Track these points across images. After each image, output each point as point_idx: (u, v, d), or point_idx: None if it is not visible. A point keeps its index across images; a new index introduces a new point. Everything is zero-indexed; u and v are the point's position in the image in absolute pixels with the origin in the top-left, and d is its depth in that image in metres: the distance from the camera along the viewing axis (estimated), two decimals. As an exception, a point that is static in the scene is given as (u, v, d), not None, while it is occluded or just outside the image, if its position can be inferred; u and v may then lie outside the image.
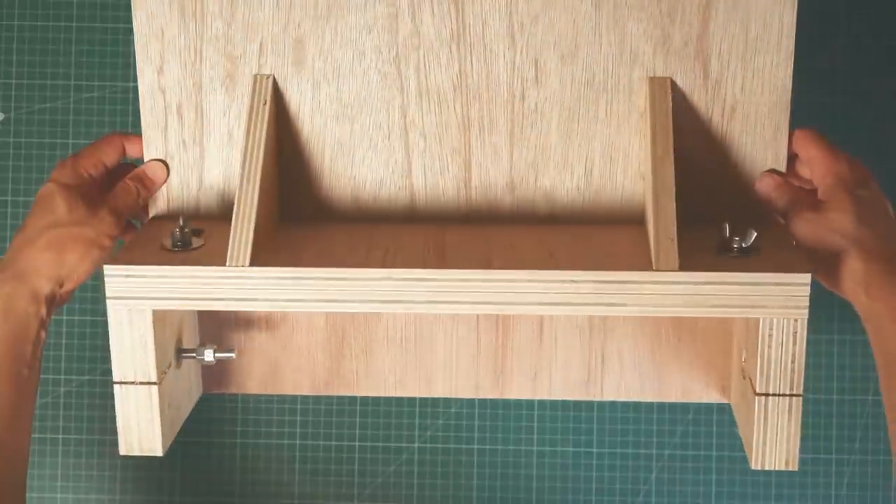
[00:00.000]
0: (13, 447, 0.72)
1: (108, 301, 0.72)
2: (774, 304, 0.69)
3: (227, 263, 0.71)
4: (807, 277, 0.69)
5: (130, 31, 0.96)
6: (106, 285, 0.72)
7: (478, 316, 0.82)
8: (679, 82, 0.75)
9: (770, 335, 0.71)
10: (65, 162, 0.77)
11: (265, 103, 0.76)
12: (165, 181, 0.80)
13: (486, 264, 0.70)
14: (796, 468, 0.73)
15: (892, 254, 0.70)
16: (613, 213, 0.79)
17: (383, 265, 0.71)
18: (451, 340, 0.85)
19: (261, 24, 0.76)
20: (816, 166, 0.74)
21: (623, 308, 0.70)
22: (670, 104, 0.74)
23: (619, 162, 0.78)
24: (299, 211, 0.81)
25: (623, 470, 0.94)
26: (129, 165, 0.80)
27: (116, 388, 0.76)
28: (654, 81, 0.75)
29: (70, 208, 0.74)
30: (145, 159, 0.79)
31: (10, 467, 0.71)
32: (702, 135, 0.77)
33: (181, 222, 0.74)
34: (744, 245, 0.71)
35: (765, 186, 0.77)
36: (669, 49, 0.74)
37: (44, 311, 0.74)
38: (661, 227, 0.70)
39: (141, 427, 0.76)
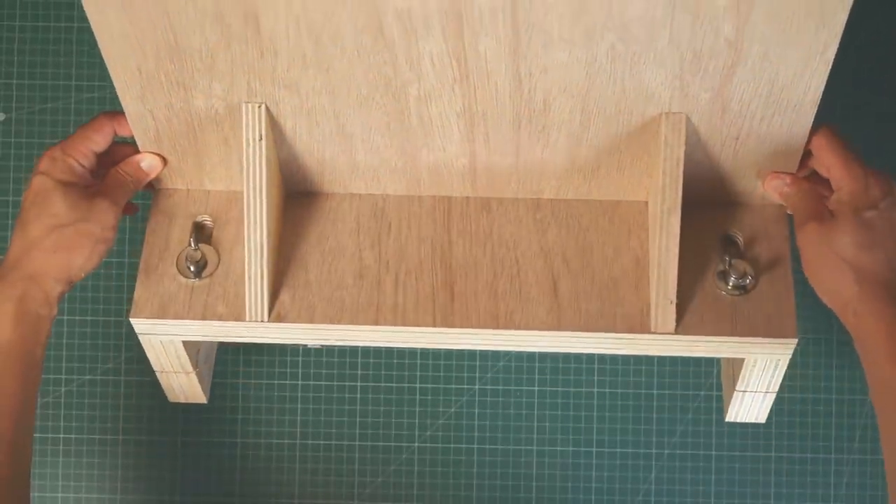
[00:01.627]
0: (20, 444, 0.72)
1: (138, 335, 0.79)
2: (761, 352, 0.77)
3: (247, 318, 0.76)
4: (793, 342, 0.76)
5: (131, 31, 0.96)
6: (133, 325, 0.78)
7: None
8: (694, 119, 0.72)
9: (754, 364, 0.79)
10: (54, 153, 0.74)
11: (261, 139, 0.73)
12: (160, 171, 0.79)
13: (494, 316, 0.76)
14: (763, 421, 0.85)
15: (890, 279, 0.69)
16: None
17: (394, 305, 0.77)
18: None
19: (247, 70, 0.70)
20: (831, 174, 0.72)
21: (620, 351, 0.77)
22: (682, 150, 0.72)
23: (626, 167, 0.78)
24: (301, 214, 0.81)
25: (623, 469, 0.94)
26: (120, 145, 0.78)
27: (157, 374, 0.84)
28: (668, 119, 0.71)
29: (70, 206, 0.73)
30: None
31: (17, 463, 0.72)
32: (711, 156, 0.76)
33: (192, 245, 0.77)
34: (741, 283, 0.76)
35: (773, 189, 0.77)
36: (688, 94, 0.70)
37: (55, 311, 0.74)
38: (662, 290, 0.74)
39: (184, 390, 0.87)
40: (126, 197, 0.77)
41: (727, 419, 0.85)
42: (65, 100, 0.96)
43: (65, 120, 0.96)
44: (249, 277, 0.76)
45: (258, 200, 0.74)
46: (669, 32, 0.65)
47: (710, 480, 0.94)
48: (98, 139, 0.76)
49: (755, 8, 0.63)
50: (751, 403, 0.83)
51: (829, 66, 0.67)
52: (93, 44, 0.95)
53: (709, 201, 0.79)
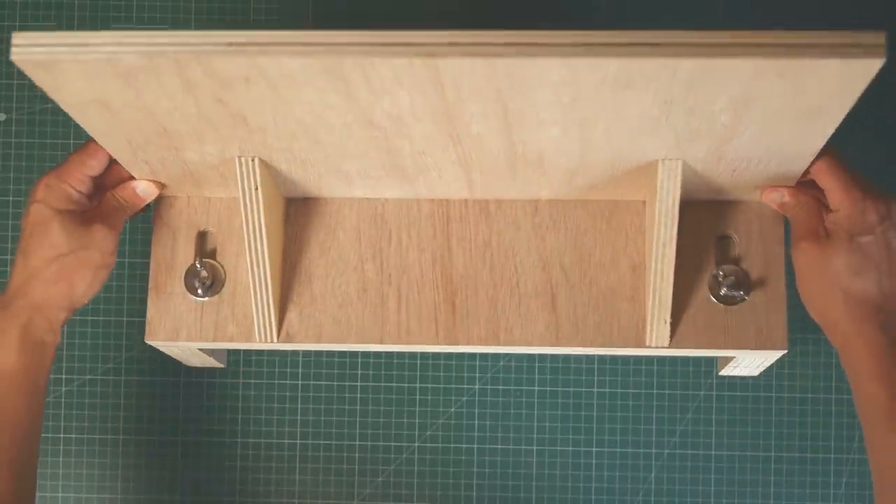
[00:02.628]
0: (25, 470, 0.73)
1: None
2: (750, 356, 0.81)
3: (257, 340, 0.79)
4: (781, 353, 0.78)
5: (131, 31, 0.96)
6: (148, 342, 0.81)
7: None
8: (690, 163, 0.72)
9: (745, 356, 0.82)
10: (49, 180, 0.73)
11: (257, 188, 0.74)
12: (157, 195, 0.79)
13: (495, 333, 0.78)
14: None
15: (878, 303, 0.70)
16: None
17: (398, 323, 0.79)
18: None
19: (237, 140, 0.70)
20: (830, 197, 0.72)
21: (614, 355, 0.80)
22: (679, 192, 0.72)
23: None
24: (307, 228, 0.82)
25: (623, 469, 0.94)
26: (116, 166, 0.77)
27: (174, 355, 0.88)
28: (664, 165, 0.71)
29: (69, 235, 0.73)
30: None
31: (22, 489, 0.72)
32: (709, 182, 0.76)
33: (198, 265, 0.79)
34: (734, 295, 0.78)
35: (771, 200, 0.77)
36: (685, 151, 0.70)
37: (59, 338, 0.75)
38: (657, 312, 0.76)
39: (202, 362, 0.91)
40: (123, 220, 0.77)
41: (721, 373, 0.91)
42: (65, 100, 0.96)
43: (65, 120, 0.96)
44: (256, 305, 0.77)
45: (258, 240, 0.75)
46: (666, 122, 0.65)
47: (710, 480, 0.94)
48: (93, 164, 0.74)
49: (752, 107, 0.62)
50: (744, 368, 0.88)
51: (830, 134, 0.67)
52: (93, 44, 0.96)
53: (705, 200, 0.79)
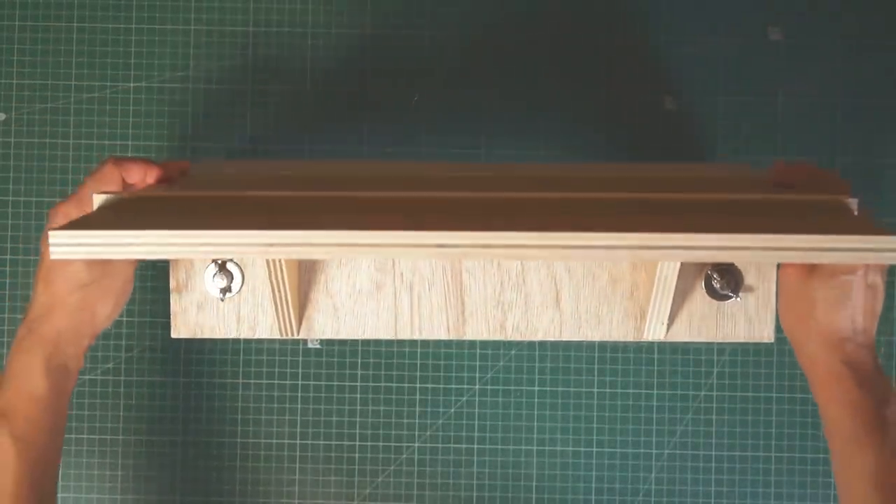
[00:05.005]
0: (49, 490, 0.73)
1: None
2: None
3: (279, 335, 0.80)
4: (770, 341, 0.81)
5: (131, 31, 0.96)
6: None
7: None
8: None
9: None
10: (68, 209, 0.73)
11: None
12: None
13: (502, 327, 0.80)
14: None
15: (848, 337, 0.71)
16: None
17: (410, 318, 0.81)
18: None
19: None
20: None
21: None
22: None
23: None
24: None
25: (623, 469, 0.94)
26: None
27: None
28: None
29: (90, 265, 0.73)
30: None
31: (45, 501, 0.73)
32: None
33: (217, 269, 0.80)
34: (726, 293, 0.80)
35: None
36: None
37: (82, 363, 0.75)
38: (657, 315, 0.78)
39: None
40: None
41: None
42: (65, 100, 0.96)
43: (65, 120, 0.96)
44: (276, 304, 0.78)
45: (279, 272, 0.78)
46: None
47: (710, 480, 0.94)
48: (110, 189, 0.74)
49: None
50: None
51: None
52: (93, 44, 0.96)
53: None
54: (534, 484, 0.94)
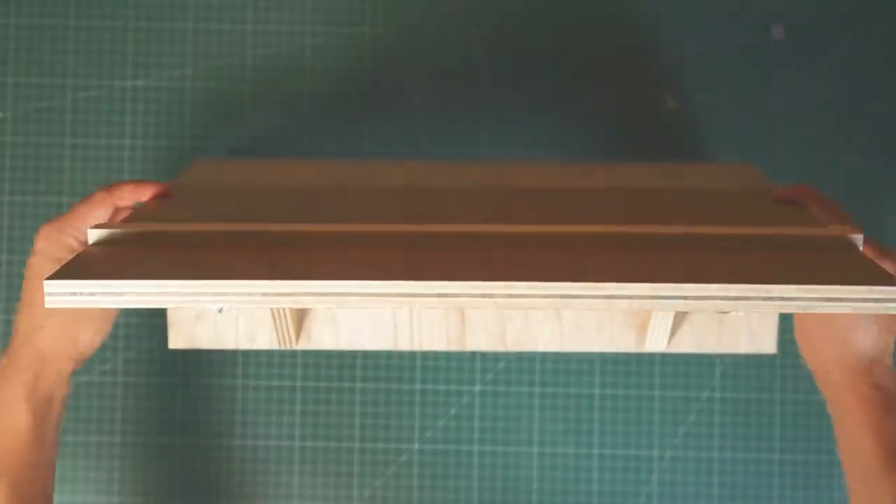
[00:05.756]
0: None
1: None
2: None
3: (278, 346, 0.81)
4: (772, 353, 0.82)
5: (130, 29, 0.96)
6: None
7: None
8: None
9: None
10: (49, 232, 0.72)
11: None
12: None
13: (502, 340, 0.81)
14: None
15: (872, 356, 0.70)
16: None
17: (409, 331, 0.81)
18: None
19: None
20: None
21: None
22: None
23: None
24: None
25: (625, 471, 0.94)
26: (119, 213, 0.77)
27: None
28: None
29: (50, 254, 0.72)
30: None
31: None
32: None
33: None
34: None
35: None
36: None
37: (66, 390, 0.74)
38: (657, 335, 0.79)
39: None
40: None
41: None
42: (61, 99, 0.95)
43: (61, 119, 0.95)
44: (274, 319, 0.79)
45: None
46: None
47: (712, 482, 0.94)
48: (97, 214, 0.73)
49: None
50: None
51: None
52: (90, 42, 0.96)
53: None
54: (534, 486, 0.94)
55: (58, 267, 0.70)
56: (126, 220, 0.68)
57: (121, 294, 0.57)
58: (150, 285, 0.57)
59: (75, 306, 0.57)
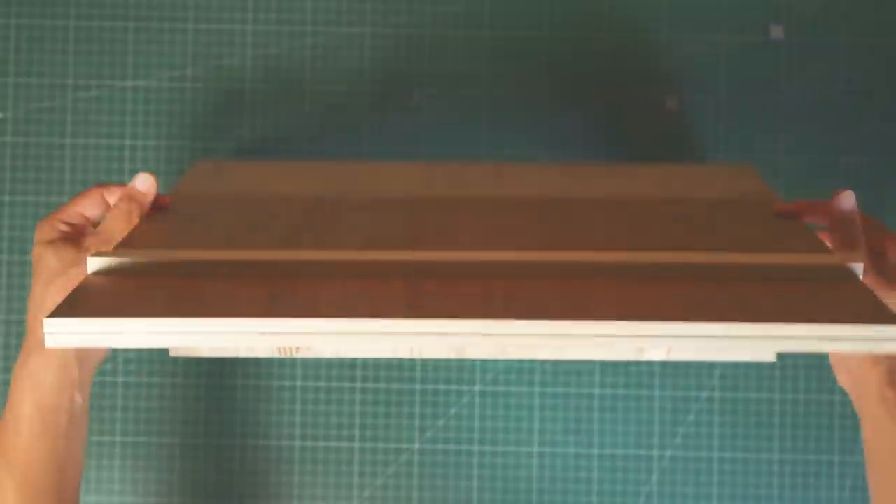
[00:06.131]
0: None
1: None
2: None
3: (278, 355, 0.82)
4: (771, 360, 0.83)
5: (130, 30, 0.96)
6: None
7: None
8: None
9: None
10: (42, 221, 0.74)
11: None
12: (156, 191, 0.78)
13: (502, 351, 0.80)
14: None
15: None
16: None
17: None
18: None
19: None
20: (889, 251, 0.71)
21: None
22: None
23: None
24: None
25: (624, 471, 0.94)
26: None
27: None
28: None
29: (58, 258, 0.72)
30: None
31: None
32: None
33: None
34: None
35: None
36: None
37: (75, 373, 0.73)
38: (656, 352, 0.79)
39: None
40: (122, 229, 0.74)
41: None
42: (61, 99, 0.95)
43: (62, 119, 0.95)
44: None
45: None
46: None
47: (712, 482, 0.93)
48: (87, 203, 0.75)
49: None
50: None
51: None
52: (90, 42, 0.96)
53: None
54: (534, 486, 0.94)
55: (48, 247, 0.72)
56: (127, 244, 0.68)
57: (119, 333, 0.58)
58: (149, 324, 0.58)
59: (75, 345, 0.58)
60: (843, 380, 0.72)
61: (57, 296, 0.72)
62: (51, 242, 0.73)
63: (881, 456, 0.69)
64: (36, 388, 0.71)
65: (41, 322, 0.72)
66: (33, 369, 0.71)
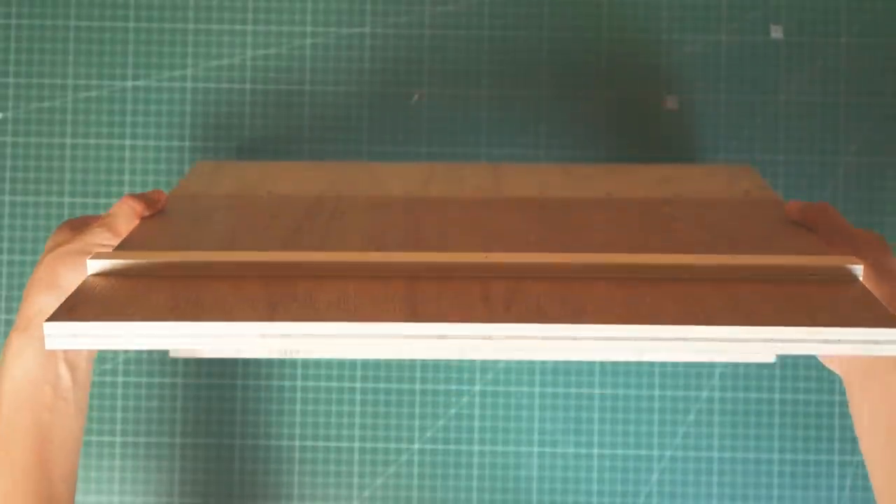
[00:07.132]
0: (39, 492, 0.71)
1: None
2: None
3: (280, 356, 0.81)
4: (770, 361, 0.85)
5: (130, 30, 0.96)
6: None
7: None
8: None
9: None
10: (61, 233, 0.73)
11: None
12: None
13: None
14: None
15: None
16: None
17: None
18: None
19: None
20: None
21: None
22: None
23: None
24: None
25: (624, 472, 0.94)
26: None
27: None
28: None
29: (55, 238, 0.72)
30: None
31: None
32: None
33: None
34: None
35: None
36: None
37: (69, 354, 0.72)
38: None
39: None
40: (125, 222, 0.73)
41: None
42: (61, 99, 0.95)
43: (62, 119, 0.95)
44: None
45: None
46: None
47: (712, 482, 0.93)
48: (108, 236, 0.73)
49: None
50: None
51: None
52: (90, 42, 0.96)
53: None
54: (534, 486, 0.94)
55: (56, 231, 0.72)
56: (126, 246, 0.68)
57: (118, 336, 0.58)
58: (149, 328, 0.58)
59: (75, 348, 0.58)
60: (828, 362, 0.71)
61: (46, 273, 0.70)
62: (58, 229, 0.72)
63: (870, 423, 0.68)
64: (16, 359, 0.71)
65: (32, 301, 0.71)
66: (15, 342, 0.71)
